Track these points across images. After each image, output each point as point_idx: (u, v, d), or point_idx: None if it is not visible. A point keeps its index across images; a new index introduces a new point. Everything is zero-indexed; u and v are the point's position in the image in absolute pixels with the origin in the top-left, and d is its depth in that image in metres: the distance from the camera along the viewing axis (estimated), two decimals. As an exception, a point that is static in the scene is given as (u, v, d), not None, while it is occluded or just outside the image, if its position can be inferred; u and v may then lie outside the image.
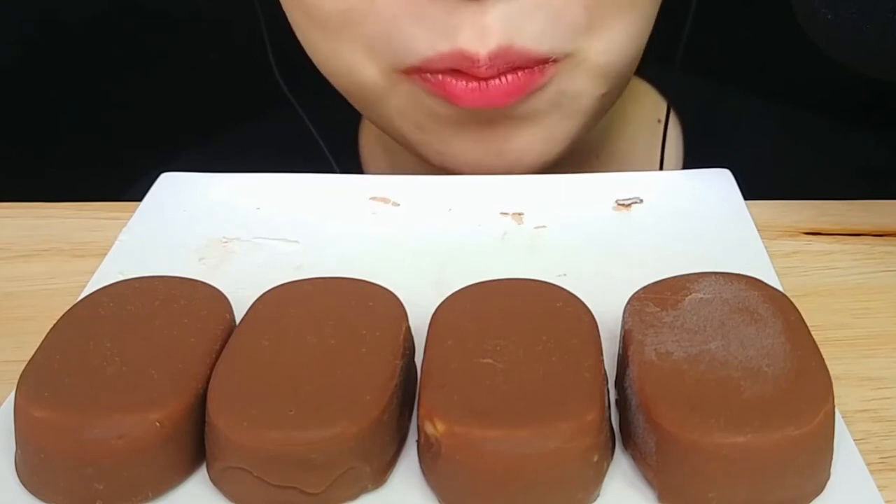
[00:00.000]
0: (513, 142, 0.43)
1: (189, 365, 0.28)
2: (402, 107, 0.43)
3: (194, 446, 0.28)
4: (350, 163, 0.54)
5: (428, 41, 0.39)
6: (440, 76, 0.40)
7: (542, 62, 0.40)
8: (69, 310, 0.31)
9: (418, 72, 0.41)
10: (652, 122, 0.54)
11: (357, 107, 0.46)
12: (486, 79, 0.40)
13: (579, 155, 0.51)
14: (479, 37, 0.39)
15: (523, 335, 0.28)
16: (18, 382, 0.28)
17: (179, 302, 0.31)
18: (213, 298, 0.32)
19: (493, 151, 0.43)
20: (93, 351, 0.29)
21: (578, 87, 0.42)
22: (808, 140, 0.56)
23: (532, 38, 0.39)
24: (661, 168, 0.50)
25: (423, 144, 0.44)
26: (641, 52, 0.44)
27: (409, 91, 0.42)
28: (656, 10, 0.43)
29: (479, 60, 0.39)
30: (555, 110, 0.43)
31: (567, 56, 0.41)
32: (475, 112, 0.41)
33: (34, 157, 0.72)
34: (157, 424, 0.27)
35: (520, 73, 0.40)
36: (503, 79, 0.40)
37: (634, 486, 0.27)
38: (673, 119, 0.54)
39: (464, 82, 0.40)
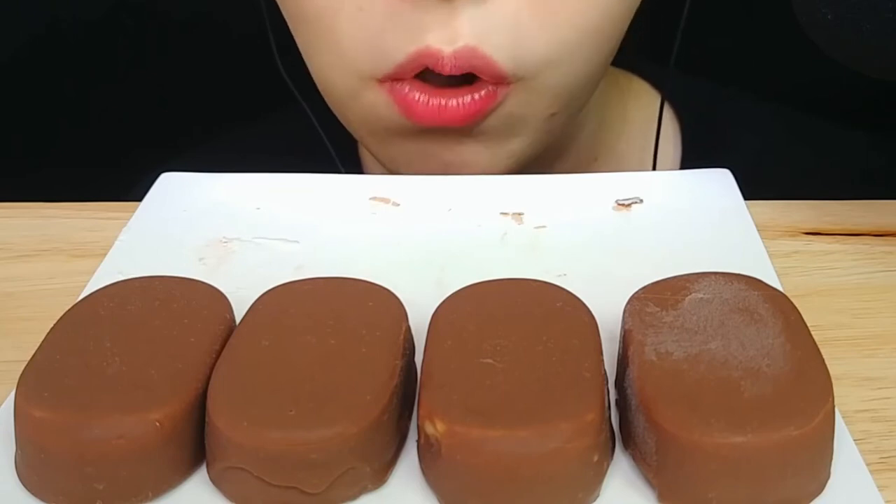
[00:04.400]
0: (459, 156, 0.44)
1: (189, 365, 0.28)
2: (362, 114, 0.44)
3: (194, 446, 0.28)
4: (350, 163, 0.54)
5: (399, 42, 0.40)
6: (407, 88, 0.41)
7: (499, 80, 0.41)
8: (69, 310, 0.31)
9: (391, 80, 0.42)
10: (651, 122, 0.54)
11: (328, 104, 0.47)
12: (444, 89, 0.41)
13: (577, 155, 0.51)
14: (447, 36, 0.40)
15: (523, 335, 0.28)
16: (18, 382, 0.28)
17: (179, 302, 0.31)
18: (213, 298, 0.32)
19: (440, 163, 0.44)
20: (93, 351, 0.29)
21: (529, 110, 0.43)
22: (808, 140, 0.56)
23: (497, 48, 0.40)
24: (653, 168, 0.50)
25: (376, 150, 0.46)
26: (601, 73, 0.45)
27: (371, 102, 0.43)
28: (622, 34, 0.44)
29: (443, 58, 0.40)
30: (504, 130, 0.43)
31: (521, 79, 0.42)
32: (427, 128, 0.42)
33: (34, 157, 0.72)
34: (157, 424, 0.27)
35: (476, 96, 0.41)
36: (461, 100, 0.41)
37: (634, 486, 0.27)
38: (671, 119, 0.54)
39: (426, 97, 0.41)
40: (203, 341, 0.29)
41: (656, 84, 0.55)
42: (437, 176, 0.42)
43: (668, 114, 0.55)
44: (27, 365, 0.28)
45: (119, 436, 0.26)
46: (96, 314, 0.31)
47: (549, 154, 0.50)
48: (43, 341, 0.29)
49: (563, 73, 0.42)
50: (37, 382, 0.28)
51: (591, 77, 0.44)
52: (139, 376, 0.28)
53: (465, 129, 0.43)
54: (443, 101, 0.41)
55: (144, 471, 0.27)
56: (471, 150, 0.44)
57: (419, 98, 0.41)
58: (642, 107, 0.54)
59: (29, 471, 0.27)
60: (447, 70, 0.40)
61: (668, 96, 0.53)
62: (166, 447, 0.27)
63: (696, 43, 0.46)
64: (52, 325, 0.30)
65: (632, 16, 0.44)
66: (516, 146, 0.44)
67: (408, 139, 0.44)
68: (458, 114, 0.42)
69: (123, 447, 0.26)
